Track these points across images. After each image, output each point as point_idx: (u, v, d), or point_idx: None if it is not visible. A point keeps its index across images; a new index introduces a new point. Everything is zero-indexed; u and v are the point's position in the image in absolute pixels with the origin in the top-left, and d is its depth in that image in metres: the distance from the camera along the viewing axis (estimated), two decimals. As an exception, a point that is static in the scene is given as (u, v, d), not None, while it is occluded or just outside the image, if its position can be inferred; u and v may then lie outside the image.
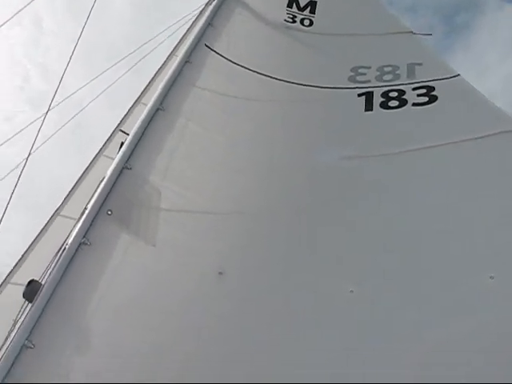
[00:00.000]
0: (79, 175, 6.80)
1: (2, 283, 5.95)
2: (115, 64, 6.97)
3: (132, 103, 7.21)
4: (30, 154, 3.93)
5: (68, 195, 6.69)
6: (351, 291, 2.97)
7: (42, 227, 6.24)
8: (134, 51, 7.18)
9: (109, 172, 3.48)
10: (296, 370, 2.64)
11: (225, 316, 2.96)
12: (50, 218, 6.31)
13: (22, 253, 6.13)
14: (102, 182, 3.44)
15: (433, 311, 2.82)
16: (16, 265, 5.95)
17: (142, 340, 2.82)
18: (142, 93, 7.25)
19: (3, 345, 2.96)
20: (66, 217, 6.26)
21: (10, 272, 5.87)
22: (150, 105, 4.15)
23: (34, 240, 6.11)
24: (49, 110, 4.31)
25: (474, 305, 2.79)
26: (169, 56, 7.25)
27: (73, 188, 6.73)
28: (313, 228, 3.48)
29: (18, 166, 5.99)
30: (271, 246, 3.34)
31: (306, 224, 3.51)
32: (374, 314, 2.88)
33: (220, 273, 3.09)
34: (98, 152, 6.86)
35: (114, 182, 3.42)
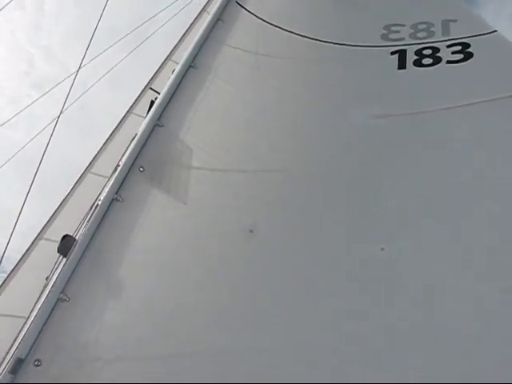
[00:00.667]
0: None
1: (35, 239, 6.07)
2: (119, 40, 6.96)
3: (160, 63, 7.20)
4: (53, 129, 3.93)
5: (98, 153, 6.74)
6: (382, 249, 2.94)
7: (72, 185, 6.32)
8: (139, 27, 7.15)
9: (141, 129, 3.49)
10: (327, 326, 2.65)
11: (255, 274, 2.97)
12: (81, 176, 6.39)
13: (54, 210, 6.23)
14: (134, 138, 3.45)
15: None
16: (48, 221, 6.06)
17: (172, 296, 2.86)
18: (171, 51, 7.23)
19: (38, 298, 3.02)
20: (96, 174, 6.34)
21: (43, 228, 5.99)
22: (182, 62, 4.12)
23: (65, 197, 6.20)
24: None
25: None
26: (199, 13, 7.20)
27: (102, 146, 6.78)
28: (341, 186, 3.45)
29: (23, 147, 6.08)
30: (301, 204, 3.33)
31: (335, 182, 3.48)
32: (406, 273, 2.85)
33: (251, 230, 3.10)
34: (128, 110, 6.89)
35: (146, 139, 3.43)
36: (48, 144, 3.64)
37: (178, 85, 3.88)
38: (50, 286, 2.89)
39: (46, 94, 6.19)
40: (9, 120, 6.28)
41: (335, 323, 2.65)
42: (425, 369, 2.34)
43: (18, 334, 2.80)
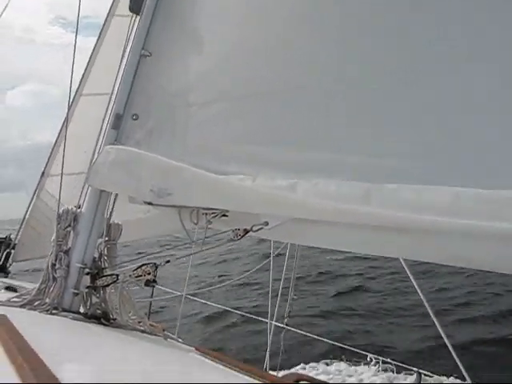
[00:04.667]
0: None
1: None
2: None
3: None
4: None
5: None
6: None
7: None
8: None
9: None
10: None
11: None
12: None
13: None
14: None
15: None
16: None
17: (252, 37, 2.73)
18: None
19: (121, 58, 3.06)
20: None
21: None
22: None
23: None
24: None
25: None
26: None
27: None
28: None
29: None
30: None
31: None
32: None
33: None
34: None
35: None
36: None
37: None
38: (129, 46, 2.90)
39: None
40: None
41: None
42: None
43: (113, 89, 2.89)
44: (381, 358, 6.04)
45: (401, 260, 2.75)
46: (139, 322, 2.75)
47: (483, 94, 2.01)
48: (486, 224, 1.76)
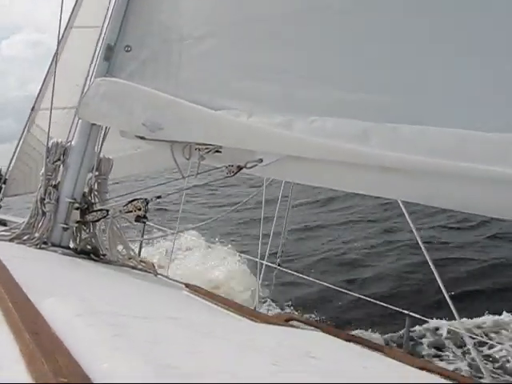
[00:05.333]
0: None
1: None
2: None
3: None
4: None
5: None
6: None
7: None
8: None
9: None
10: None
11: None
12: None
13: None
14: None
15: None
16: None
17: None
18: None
19: None
20: None
21: None
22: None
23: None
24: None
25: None
26: None
27: None
28: None
29: None
30: None
31: None
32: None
33: None
34: None
35: None
36: None
37: None
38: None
39: None
40: None
41: None
42: None
43: (104, 22, 2.77)
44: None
45: (399, 202, 2.69)
46: (130, 259, 2.73)
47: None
48: (493, 168, 1.70)
